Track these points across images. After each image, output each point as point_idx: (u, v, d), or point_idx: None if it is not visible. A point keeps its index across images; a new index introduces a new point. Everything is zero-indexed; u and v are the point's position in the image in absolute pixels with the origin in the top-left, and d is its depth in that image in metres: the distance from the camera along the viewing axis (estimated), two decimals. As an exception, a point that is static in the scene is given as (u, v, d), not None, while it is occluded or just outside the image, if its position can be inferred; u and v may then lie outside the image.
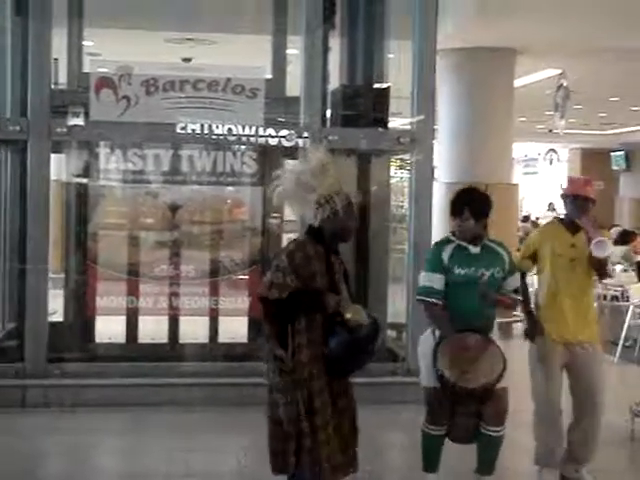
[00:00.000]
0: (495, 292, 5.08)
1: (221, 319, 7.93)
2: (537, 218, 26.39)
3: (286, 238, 8.19)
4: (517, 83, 12.35)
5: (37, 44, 7.21)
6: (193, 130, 7.36)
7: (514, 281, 5.23)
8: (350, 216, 4.73)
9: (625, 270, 12.06)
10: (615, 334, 9.82)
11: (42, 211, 7.22)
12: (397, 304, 8.04)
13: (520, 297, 5.37)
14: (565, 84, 13.16)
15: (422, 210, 7.68)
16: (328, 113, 8.12)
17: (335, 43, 8.32)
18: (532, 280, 6.08)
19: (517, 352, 11.67)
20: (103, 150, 7.81)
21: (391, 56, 8.56)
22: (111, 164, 7.81)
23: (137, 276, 7.79)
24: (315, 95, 7.63)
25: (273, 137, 7.48)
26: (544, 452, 5.57)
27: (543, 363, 5.49)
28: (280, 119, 7.87)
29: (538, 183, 33.69)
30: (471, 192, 5.39)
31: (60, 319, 7.84)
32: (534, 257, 5.64)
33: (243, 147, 7.85)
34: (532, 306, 5.66)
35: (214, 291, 7.88)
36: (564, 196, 5.63)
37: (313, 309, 4.63)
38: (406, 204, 8.63)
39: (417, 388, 5.26)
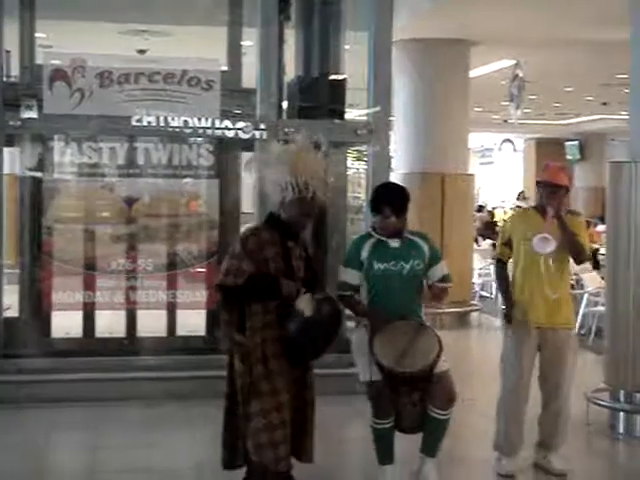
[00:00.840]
0: (417, 290, 5.19)
1: (179, 312, 7.89)
2: (493, 208, 26.62)
3: (243, 231, 8.18)
4: (472, 74, 12.43)
5: (-12, 36, 7.12)
6: (149, 123, 7.32)
7: (439, 271, 5.25)
8: (308, 206, 4.79)
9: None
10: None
11: (-5, 206, 7.14)
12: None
13: (497, 287, 5.41)
14: (520, 74, 13.27)
15: (379, 201, 7.69)
16: (285, 105, 8.11)
17: (291, 35, 8.32)
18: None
19: (474, 342, 11.81)
20: (57, 143, 7.74)
21: (347, 47, 8.57)
22: (66, 157, 7.74)
23: (94, 270, 7.73)
24: (271, 87, 7.62)
25: (230, 129, 7.46)
26: (504, 438, 5.64)
27: (515, 348, 5.55)
28: (236, 111, 7.84)
29: (494, 173, 33.95)
30: (390, 188, 5.42)
31: (15, 314, 7.75)
32: (510, 244, 5.68)
33: (199, 140, 7.82)
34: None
35: (172, 284, 7.85)
36: (537, 182, 5.70)
37: (268, 294, 4.72)
38: (363, 195, 8.66)
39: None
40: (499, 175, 33.75)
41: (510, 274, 5.79)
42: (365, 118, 8.07)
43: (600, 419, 6.80)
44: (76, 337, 7.78)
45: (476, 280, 13.77)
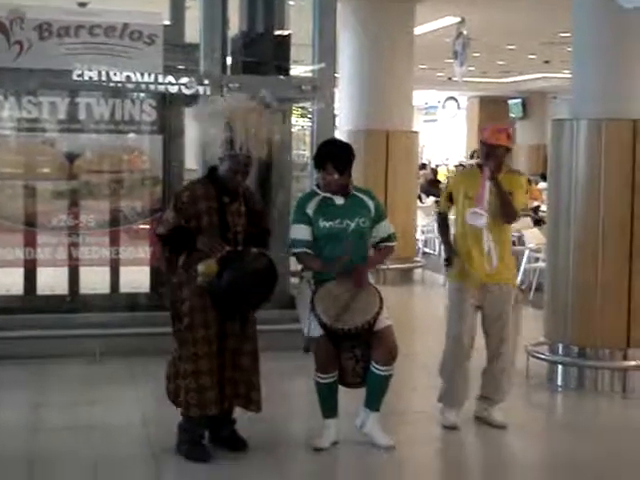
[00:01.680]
0: (364, 246, 5.21)
1: (123, 269, 7.84)
2: (437, 166, 26.77)
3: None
4: (417, 31, 12.41)
5: None
6: (90, 77, 7.19)
7: (383, 230, 5.29)
8: (240, 164, 4.91)
9: (524, 216, 12.33)
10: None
11: None
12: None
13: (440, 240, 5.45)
14: (464, 32, 13.30)
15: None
16: (229, 60, 8.03)
17: (235, -11, 8.22)
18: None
19: (417, 298, 11.92)
20: (-5, 97, 7.58)
21: (292, 3, 8.50)
22: (4, 112, 7.58)
23: (34, 227, 7.63)
24: (215, 42, 7.54)
25: (173, 85, 7.37)
26: (448, 390, 5.73)
27: (458, 302, 5.63)
28: (180, 66, 7.76)
29: (438, 131, 34.10)
30: (333, 145, 5.45)
31: (-46, 272, 7.64)
32: (451, 199, 5.74)
33: (142, 95, 7.72)
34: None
35: (115, 241, 7.77)
36: (479, 142, 5.74)
37: (186, 247, 4.90)
38: (308, 152, 8.65)
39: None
40: (443, 133, 33.91)
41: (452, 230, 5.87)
42: (310, 75, 8.03)
43: (540, 372, 6.94)
44: (17, 294, 7.69)
45: (420, 237, 13.89)
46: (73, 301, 7.74)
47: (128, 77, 7.27)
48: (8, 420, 5.79)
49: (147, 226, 7.89)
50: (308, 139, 8.45)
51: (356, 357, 5.17)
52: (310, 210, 5.17)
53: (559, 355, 6.85)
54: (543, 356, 6.94)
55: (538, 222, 12.37)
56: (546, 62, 20.65)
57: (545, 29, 15.19)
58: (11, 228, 7.63)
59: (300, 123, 10.58)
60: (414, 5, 11.88)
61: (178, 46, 7.99)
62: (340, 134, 10.69)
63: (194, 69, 7.60)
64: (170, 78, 7.37)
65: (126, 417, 5.89)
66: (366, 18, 11.76)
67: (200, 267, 4.79)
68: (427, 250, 14.38)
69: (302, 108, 9.74)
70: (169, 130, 7.94)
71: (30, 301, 7.67)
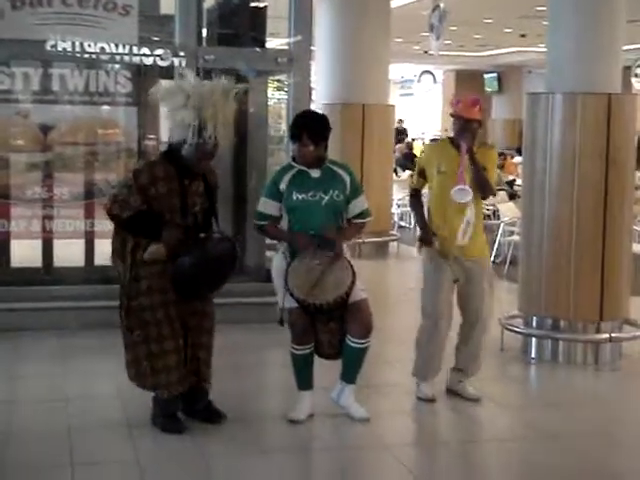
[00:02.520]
0: (338, 220, 5.19)
1: (97, 242, 7.80)
2: (413, 140, 26.76)
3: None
4: (393, 4, 12.37)
5: None
6: (64, 48, 7.12)
7: (358, 205, 5.27)
8: (207, 152, 4.87)
9: (497, 189, 12.37)
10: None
11: None
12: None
13: (413, 214, 5.44)
14: (441, 5, 13.25)
15: (299, 131, 7.66)
16: (204, 32, 7.97)
17: (210, -41, 8.15)
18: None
19: (392, 272, 11.97)
20: (-33, 67, 7.49)
21: (268, -26, 8.44)
22: (-23, 83, 7.51)
23: (8, 199, 7.57)
24: (190, 13, 7.48)
25: (148, 56, 7.32)
26: (423, 364, 5.76)
27: (433, 277, 5.63)
28: (155, 38, 7.69)
29: (414, 105, 34.06)
30: (309, 116, 5.42)
31: None
32: (424, 174, 5.72)
33: (117, 66, 7.65)
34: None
35: (89, 214, 7.72)
36: (451, 115, 5.71)
37: (150, 236, 4.86)
38: (284, 126, 8.62)
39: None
40: (419, 107, 33.89)
41: (425, 205, 5.86)
42: (286, 47, 7.99)
43: (514, 345, 7.00)
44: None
45: (395, 210, 13.91)
46: (47, 274, 7.70)
47: (102, 48, 7.21)
48: (-18, 393, 5.78)
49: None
50: (284, 112, 8.42)
51: (331, 330, 5.20)
52: (284, 184, 5.15)
53: (533, 328, 6.91)
54: (517, 329, 6.99)
55: (513, 196, 12.44)
56: (522, 36, 20.68)
57: (521, 3, 15.20)
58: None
59: (276, 96, 10.54)
60: (391, -23, 11.83)
61: (153, 17, 7.91)
62: (316, 107, 10.65)
63: (169, 41, 7.54)
64: (145, 49, 7.31)
65: (101, 389, 5.89)
66: (342, -10, 11.70)
67: (151, 248, 4.79)
68: (402, 224, 14.41)
69: (278, 81, 9.70)
70: (144, 102, 7.88)
71: (4, 273, 7.63)
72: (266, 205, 5.19)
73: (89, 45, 7.17)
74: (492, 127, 27.80)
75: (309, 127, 5.13)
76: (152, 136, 7.98)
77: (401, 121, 29.26)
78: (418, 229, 5.79)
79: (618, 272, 6.71)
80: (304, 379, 5.28)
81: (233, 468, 4.64)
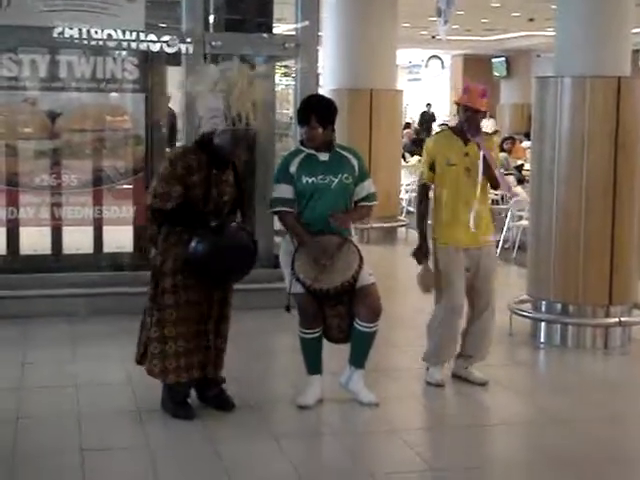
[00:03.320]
0: (347, 203, 5.19)
1: (106, 229, 7.81)
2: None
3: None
4: (401, -12, 12.31)
5: None
6: (71, 35, 7.11)
7: (365, 189, 5.27)
8: (241, 137, 4.86)
9: (506, 174, 12.33)
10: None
11: None
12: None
13: (416, 215, 5.47)
14: (448, -10, 13.20)
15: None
16: (211, 18, 7.96)
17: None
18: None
19: (400, 257, 11.95)
20: (-26, 54, 7.49)
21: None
22: (-16, 70, 7.51)
23: (17, 186, 7.58)
24: (197, -1, 7.45)
25: (155, 42, 7.30)
26: (434, 350, 5.76)
27: (449, 267, 5.62)
28: (162, 24, 7.68)
29: (422, 90, 33.96)
30: (317, 99, 5.44)
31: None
32: (434, 167, 5.69)
33: (124, 53, 7.64)
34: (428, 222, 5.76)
35: (98, 200, 7.74)
36: (456, 103, 5.69)
37: (191, 226, 4.84)
38: (291, 112, 8.60)
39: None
40: (427, 92, 33.78)
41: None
42: (293, 33, 7.97)
43: (522, 329, 7.00)
44: (0, 254, 7.66)
45: (403, 196, 13.88)
46: (56, 261, 7.72)
47: (110, 35, 7.19)
48: (-7, 379, 5.80)
49: (130, 186, 7.86)
50: (292, 98, 8.40)
51: (340, 314, 5.20)
52: (293, 167, 5.15)
53: (542, 312, 6.91)
54: (526, 313, 6.99)
55: (521, 181, 12.40)
56: (530, 20, 20.58)
57: (529, -14, 15.11)
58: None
59: (283, 82, 10.53)
60: (398, -38, 11.78)
61: (160, 3, 7.91)
62: (324, 93, 10.63)
63: (176, 27, 7.53)
64: (152, 36, 7.29)
65: (110, 375, 5.90)
66: (350, -25, 11.66)
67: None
68: (411, 209, 14.37)
69: (285, 67, 9.69)
70: (152, 88, 7.88)
71: (13, 261, 7.65)
72: (280, 190, 5.18)
73: (96, 32, 7.16)
74: (500, 112, 27.71)
75: (317, 110, 5.13)
76: (160, 123, 7.98)
77: (429, 105, 29.08)
78: (418, 238, 5.76)
79: (627, 256, 6.69)
80: (313, 364, 5.29)
81: (242, 453, 4.65)
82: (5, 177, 7.57)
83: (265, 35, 7.94)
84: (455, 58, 30.32)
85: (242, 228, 5.08)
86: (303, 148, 5.21)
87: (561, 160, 6.66)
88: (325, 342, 5.32)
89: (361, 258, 5.06)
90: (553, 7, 7.21)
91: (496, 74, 28.62)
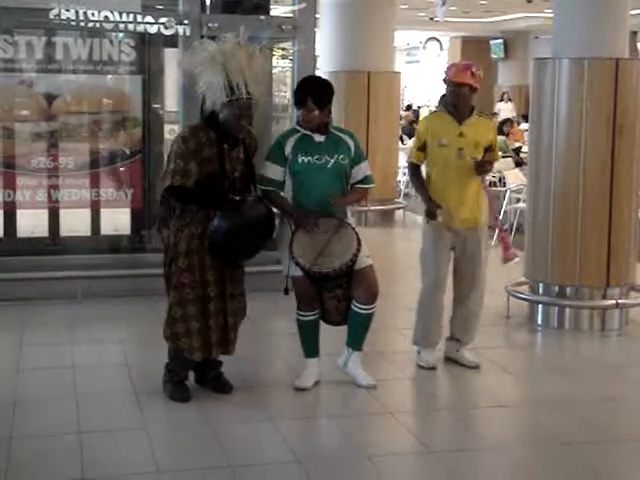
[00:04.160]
0: (343, 184, 5.18)
1: (103, 211, 7.80)
2: (418, 107, 26.64)
3: (168, 129, 8.08)
4: (399, -30, 12.27)
5: None
6: (68, 16, 7.08)
7: (362, 171, 5.25)
8: (243, 108, 4.84)
9: (504, 156, 12.32)
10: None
11: None
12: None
13: (414, 188, 5.44)
14: (446, -29, 13.16)
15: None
16: (208, 0, 7.92)
17: None
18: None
19: (398, 239, 11.96)
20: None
21: (272, -60, 8.37)
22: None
23: (13, 169, 7.56)
24: (194, -20, 7.42)
25: (152, 24, 7.28)
26: (424, 331, 5.77)
27: (434, 245, 5.64)
28: (158, 6, 7.65)
29: (420, 72, 33.86)
30: (313, 81, 5.43)
31: None
32: (425, 147, 5.68)
33: (121, 35, 7.61)
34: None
35: (95, 183, 7.72)
36: (444, 81, 5.67)
37: (210, 205, 4.84)
38: (289, 94, 8.57)
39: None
40: (424, 74, 33.68)
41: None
42: (290, 15, 7.94)
43: (520, 312, 7.01)
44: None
45: (401, 178, 13.87)
46: (54, 244, 7.71)
47: (106, 16, 7.17)
48: (-9, 362, 5.81)
49: (127, 168, 7.84)
50: (289, 80, 8.38)
51: (337, 296, 5.21)
52: (289, 148, 5.14)
53: (539, 295, 6.91)
54: (524, 296, 7.00)
55: (519, 163, 12.38)
56: (529, 1, 20.47)
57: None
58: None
59: (281, 64, 10.49)
60: (396, -57, 11.73)
61: (157, -15, 7.87)
62: (321, 75, 10.61)
63: (173, 8, 7.50)
64: (149, 18, 7.27)
65: (109, 357, 5.92)
66: (347, -44, 11.60)
67: None
68: (408, 191, 14.37)
69: (282, 49, 9.65)
70: (149, 71, 7.85)
71: (10, 243, 7.64)
72: (270, 169, 5.17)
73: (93, 13, 7.13)
74: (498, 94, 27.64)
75: (313, 92, 5.12)
76: (157, 105, 7.96)
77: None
78: (422, 199, 5.76)
79: (625, 238, 6.70)
80: (310, 346, 5.30)
81: (240, 435, 4.67)
82: (2, 159, 7.55)
83: (262, 17, 7.91)
84: (453, 40, 30.19)
85: (260, 200, 5.06)
86: (299, 128, 5.19)
87: (559, 142, 6.65)
88: (322, 324, 5.32)
89: (359, 241, 5.06)
90: (551, -12, 7.17)
91: (494, 56, 28.51)
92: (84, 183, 7.68)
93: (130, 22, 7.23)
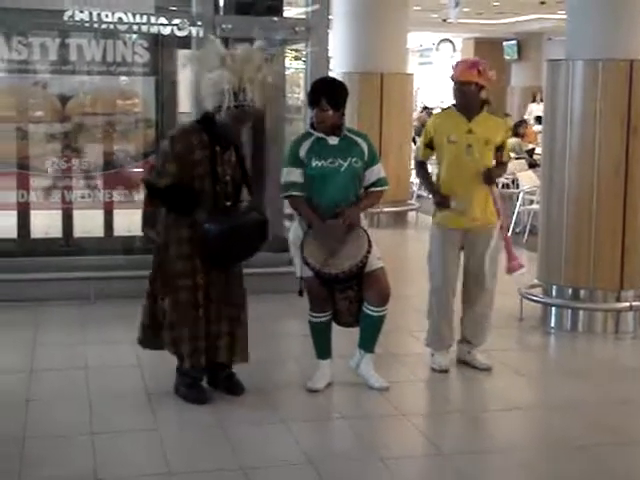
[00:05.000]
0: (356, 187, 5.16)
1: (116, 212, 7.82)
2: (432, 109, 26.60)
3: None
4: (412, -29, 12.26)
5: None
6: (82, 18, 7.11)
7: (375, 173, 5.22)
8: (244, 115, 4.82)
9: (517, 158, 12.30)
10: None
11: None
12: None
13: (422, 186, 5.43)
14: (459, -28, 13.14)
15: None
16: (221, 1, 7.93)
17: None
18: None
19: (410, 241, 11.95)
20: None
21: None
22: (-5, 53, 7.50)
23: (27, 170, 7.58)
24: (207, -18, 7.43)
25: (165, 26, 7.29)
26: (435, 334, 5.76)
27: (442, 247, 5.62)
28: (172, 7, 7.66)
29: (433, 73, 33.82)
30: (328, 82, 5.41)
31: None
32: (432, 145, 5.68)
33: (134, 36, 7.63)
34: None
35: (108, 184, 7.74)
36: (450, 79, 5.64)
37: (182, 212, 4.84)
38: (302, 95, 8.58)
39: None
40: (438, 75, 33.64)
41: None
42: (303, 16, 7.94)
43: (533, 314, 6.99)
44: (11, 237, 7.67)
45: (414, 180, 13.84)
46: (67, 244, 7.73)
47: (120, 18, 7.19)
48: (4, 361, 5.82)
49: (140, 169, 7.86)
50: (302, 82, 8.38)
51: (350, 298, 5.20)
52: (303, 151, 5.13)
53: (553, 297, 6.89)
54: (537, 298, 6.97)
55: (533, 165, 12.35)
56: (542, 3, 20.43)
57: (541, -31, 15.00)
58: (4, 171, 7.58)
59: (294, 66, 10.49)
60: (409, -56, 11.72)
61: (171, -14, 7.88)
62: (334, 76, 10.61)
63: (186, 10, 7.51)
64: (162, 19, 7.28)
65: (121, 358, 5.92)
66: (360, -42, 11.60)
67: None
68: (421, 193, 14.34)
69: (296, 50, 9.65)
70: (162, 72, 7.86)
71: (24, 244, 7.66)
72: (290, 174, 5.15)
73: (106, 15, 7.15)
74: (511, 95, 27.59)
75: (327, 92, 5.11)
76: (169, 106, 7.97)
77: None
78: (429, 191, 5.75)
79: (639, 240, 6.66)
80: (322, 347, 5.29)
81: (252, 437, 4.66)
82: (16, 160, 7.58)
83: (275, 18, 7.91)
84: (466, 41, 30.14)
85: (252, 208, 5.06)
86: (312, 131, 5.19)
87: (572, 144, 6.62)
88: (334, 326, 5.32)
89: (370, 242, 5.05)
90: (565, -10, 7.14)
91: (507, 57, 28.45)
92: (98, 184, 7.70)
93: (143, 23, 7.25)
